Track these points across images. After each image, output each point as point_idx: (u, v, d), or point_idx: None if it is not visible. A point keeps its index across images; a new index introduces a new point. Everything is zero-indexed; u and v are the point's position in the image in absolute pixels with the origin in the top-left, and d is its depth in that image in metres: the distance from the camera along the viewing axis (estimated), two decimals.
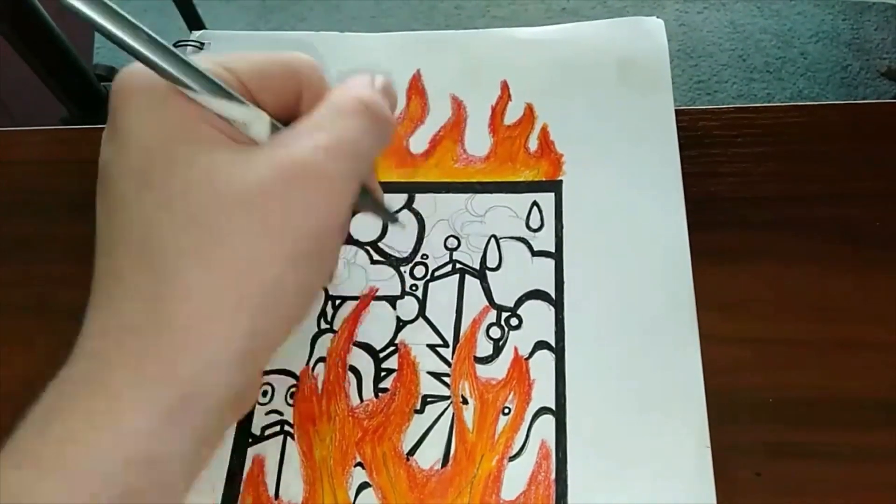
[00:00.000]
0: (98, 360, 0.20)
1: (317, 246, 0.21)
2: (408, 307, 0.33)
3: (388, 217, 0.29)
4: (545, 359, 0.31)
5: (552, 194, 0.35)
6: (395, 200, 0.35)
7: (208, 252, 0.19)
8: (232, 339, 0.20)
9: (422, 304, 0.33)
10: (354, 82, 0.23)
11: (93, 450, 0.19)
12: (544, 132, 0.36)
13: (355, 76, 0.23)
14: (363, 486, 0.29)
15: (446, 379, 0.31)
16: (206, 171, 0.20)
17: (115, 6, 0.19)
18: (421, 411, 0.30)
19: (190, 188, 0.20)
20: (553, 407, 0.30)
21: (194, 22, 1.02)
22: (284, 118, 0.22)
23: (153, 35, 0.20)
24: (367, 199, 0.26)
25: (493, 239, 0.34)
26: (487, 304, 0.32)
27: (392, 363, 0.31)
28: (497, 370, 0.31)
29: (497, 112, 0.37)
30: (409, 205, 0.35)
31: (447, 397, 0.30)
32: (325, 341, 0.32)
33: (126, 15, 0.19)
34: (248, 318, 0.20)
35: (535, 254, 0.33)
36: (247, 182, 0.20)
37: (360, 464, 0.29)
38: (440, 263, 0.33)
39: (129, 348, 0.19)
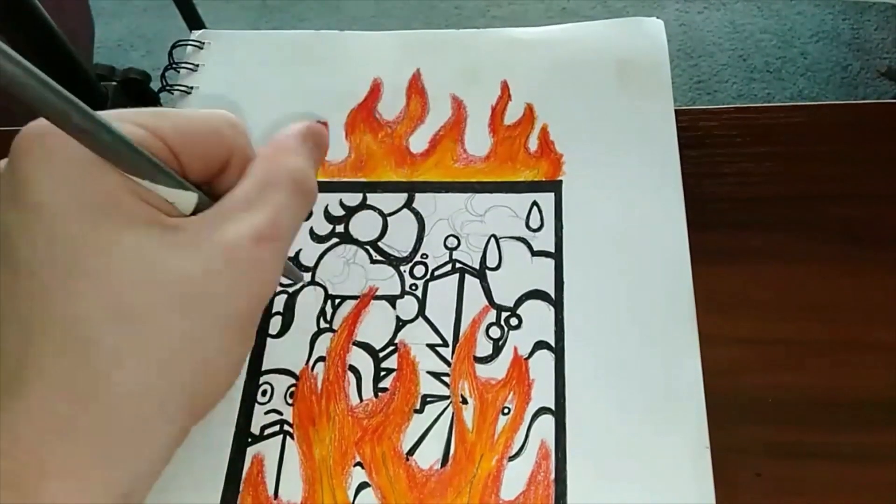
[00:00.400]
0: (24, 467, 0.18)
1: (248, 323, 0.21)
2: (407, 307, 0.33)
3: (295, 275, 0.33)
4: (545, 359, 0.31)
5: (552, 194, 0.35)
6: (395, 200, 0.35)
7: (144, 347, 0.18)
8: (172, 435, 0.20)
9: (421, 303, 0.33)
10: (281, 146, 0.22)
11: None
12: (544, 132, 0.36)
13: (281, 135, 0.23)
14: (362, 486, 0.29)
15: (446, 379, 0.31)
16: (138, 257, 0.18)
17: (32, 67, 0.16)
18: (420, 411, 0.30)
19: (122, 277, 0.18)
20: (553, 407, 0.30)
21: (194, 22, 1.02)
22: (208, 181, 0.22)
23: (71, 97, 0.17)
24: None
25: (492, 239, 0.34)
26: (487, 303, 0.32)
27: (392, 363, 0.31)
28: (497, 370, 0.31)
29: (497, 112, 0.37)
30: (408, 204, 0.35)
31: (447, 397, 0.30)
32: (325, 341, 0.32)
33: (47, 79, 0.16)
34: (185, 408, 0.20)
35: (534, 254, 0.33)
36: (180, 271, 0.19)
37: (359, 463, 0.29)
38: (440, 263, 0.33)
39: (60, 454, 0.18)
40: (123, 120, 0.19)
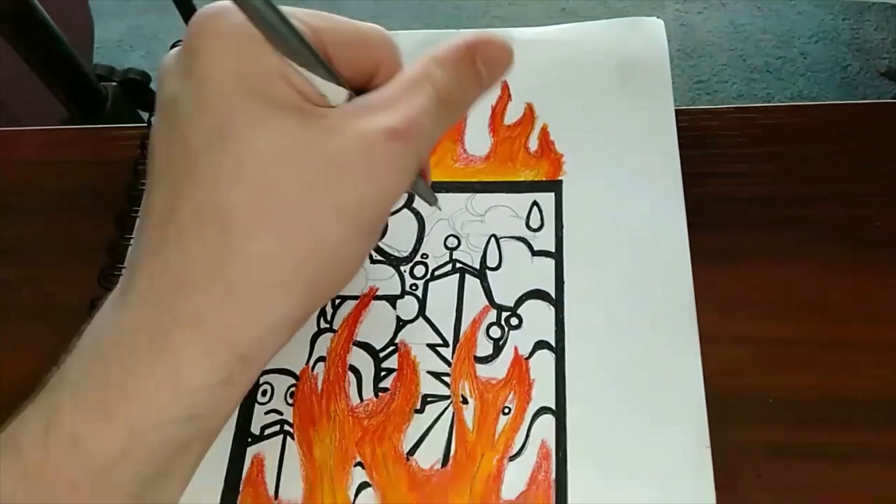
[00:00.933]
0: (159, 312, 0.20)
1: (375, 220, 0.22)
2: (408, 307, 0.33)
3: (430, 198, 0.30)
4: (545, 358, 0.31)
5: (552, 194, 0.35)
6: None
7: (275, 221, 0.19)
8: (291, 307, 0.21)
9: (422, 303, 0.33)
10: (433, 57, 0.23)
11: (155, 405, 0.20)
12: (544, 132, 0.36)
13: (440, 46, 0.23)
14: (363, 486, 0.29)
15: (446, 378, 0.31)
16: (280, 136, 0.19)
17: None
18: (421, 411, 0.30)
19: (263, 153, 0.19)
20: (553, 407, 0.30)
21: None
22: (357, 88, 0.22)
23: None
24: (416, 179, 0.27)
25: (493, 238, 0.34)
26: (487, 303, 0.32)
27: (392, 363, 0.31)
28: (497, 370, 0.31)
29: (497, 112, 0.37)
30: (408, 204, 0.35)
31: (447, 397, 0.30)
32: (325, 341, 0.32)
33: None
34: (307, 286, 0.21)
35: (535, 253, 0.33)
36: (315, 152, 0.20)
37: (359, 463, 0.29)
38: (440, 263, 0.33)
39: (193, 306, 0.19)
40: (291, 16, 0.20)
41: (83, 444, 0.19)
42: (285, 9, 0.20)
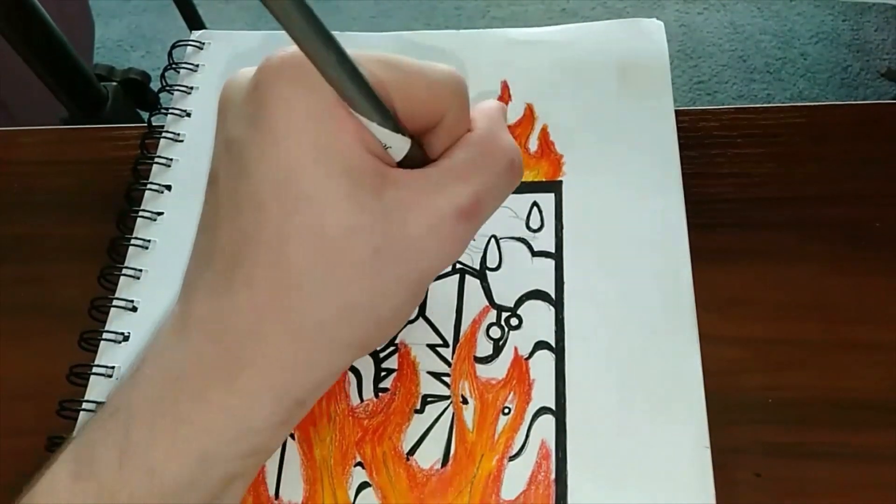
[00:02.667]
0: (228, 356, 0.21)
1: (422, 289, 0.23)
2: None
3: None
4: (545, 359, 0.31)
5: (552, 195, 0.35)
6: None
7: (346, 289, 0.20)
8: (347, 360, 0.23)
9: (422, 303, 0.33)
10: (498, 121, 0.23)
11: (224, 442, 0.21)
12: (544, 133, 0.36)
13: (492, 109, 0.24)
14: (363, 486, 0.29)
15: (446, 379, 0.31)
16: (351, 205, 0.20)
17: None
18: (421, 411, 0.30)
19: (333, 220, 0.20)
20: (553, 407, 0.30)
21: (194, 22, 1.02)
22: (418, 134, 0.22)
23: (335, 41, 0.18)
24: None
25: (493, 239, 0.34)
26: (487, 304, 0.32)
27: (392, 363, 0.31)
28: (497, 370, 0.31)
29: None
30: None
31: (447, 397, 0.30)
32: None
33: (315, 16, 0.17)
34: (364, 345, 0.23)
35: (535, 254, 0.33)
36: (393, 230, 0.20)
37: (360, 463, 0.29)
38: None
39: (261, 355, 0.21)
40: (359, 63, 0.20)
41: (157, 475, 0.20)
42: (354, 55, 0.19)
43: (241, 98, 0.21)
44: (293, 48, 0.19)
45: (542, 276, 0.33)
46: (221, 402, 0.21)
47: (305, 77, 0.19)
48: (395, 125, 0.21)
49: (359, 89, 0.19)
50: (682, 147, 0.35)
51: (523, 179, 0.35)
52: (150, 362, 0.22)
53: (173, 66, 0.40)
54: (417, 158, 0.22)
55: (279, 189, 0.20)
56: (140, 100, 0.79)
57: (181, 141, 0.38)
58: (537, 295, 0.32)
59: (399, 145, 0.21)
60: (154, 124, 0.38)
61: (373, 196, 0.20)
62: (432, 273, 0.23)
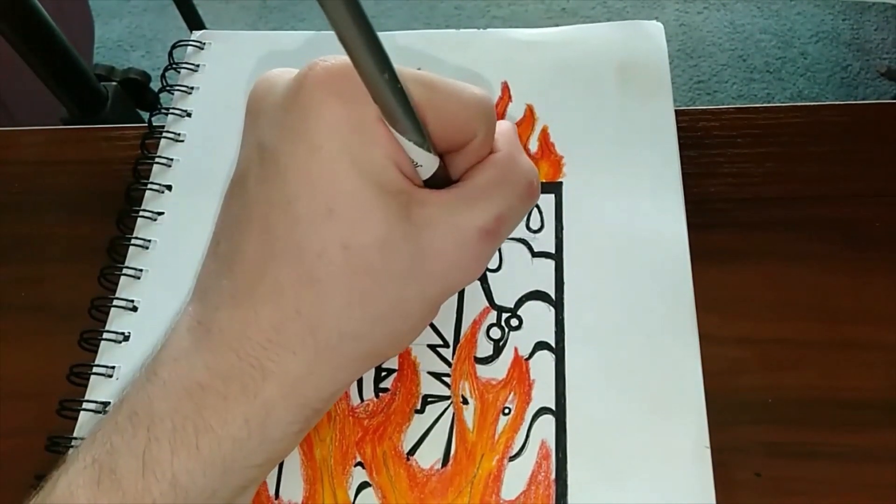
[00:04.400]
0: (250, 366, 0.21)
1: (439, 305, 0.23)
2: None
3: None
4: (545, 359, 0.31)
5: (552, 196, 0.35)
6: None
7: (371, 303, 0.21)
8: (364, 370, 0.24)
9: None
10: (517, 145, 0.24)
11: (245, 451, 0.21)
12: (544, 133, 0.36)
13: (511, 132, 0.24)
14: (363, 486, 0.29)
15: (447, 379, 0.31)
16: (384, 223, 0.20)
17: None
18: (421, 411, 0.30)
19: (371, 239, 0.20)
20: (553, 407, 0.30)
21: (194, 22, 1.02)
22: (445, 152, 0.23)
23: (386, 55, 0.18)
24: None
25: None
26: (488, 304, 0.32)
27: (392, 363, 0.31)
28: (497, 370, 0.31)
29: (497, 113, 0.37)
30: None
31: (447, 397, 0.30)
32: None
33: (371, 27, 0.17)
34: (382, 356, 0.24)
35: (535, 255, 0.33)
36: (420, 247, 0.21)
37: (360, 463, 0.29)
38: None
39: (282, 367, 0.21)
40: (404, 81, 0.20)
41: (180, 484, 0.21)
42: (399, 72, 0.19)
43: (278, 102, 0.21)
44: (337, 58, 0.19)
45: (542, 276, 0.33)
46: (243, 413, 0.21)
47: (350, 90, 0.19)
48: (429, 145, 0.21)
49: (403, 108, 0.19)
50: (682, 147, 0.35)
51: None
52: (167, 367, 0.22)
53: (173, 66, 0.40)
54: (441, 178, 0.22)
55: (313, 199, 0.20)
56: (140, 100, 0.79)
57: (182, 141, 0.38)
58: (537, 296, 0.32)
59: (429, 164, 0.22)
60: (154, 124, 0.38)
61: (402, 212, 0.20)
62: (453, 290, 0.23)
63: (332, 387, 0.22)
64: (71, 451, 0.25)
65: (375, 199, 0.20)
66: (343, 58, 0.19)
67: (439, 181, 0.22)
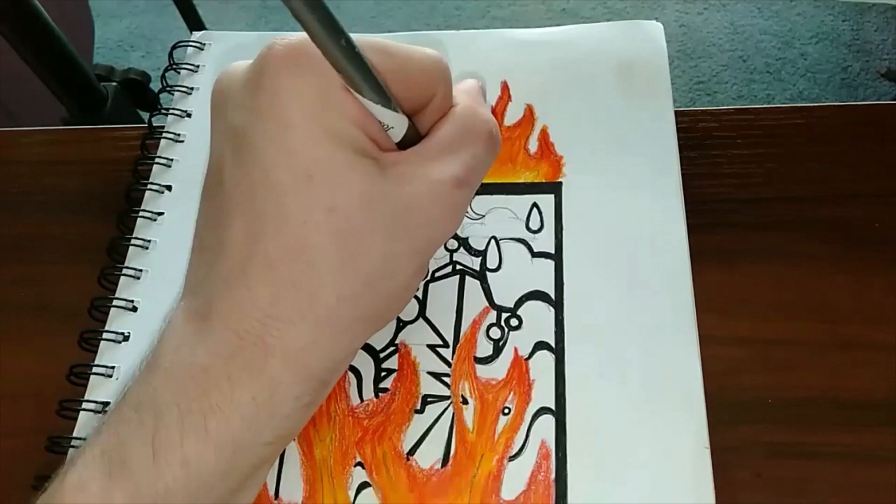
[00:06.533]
0: (251, 343, 0.21)
1: (427, 258, 0.24)
2: (408, 308, 0.32)
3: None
4: (545, 359, 0.31)
5: (552, 196, 0.35)
6: None
7: (363, 263, 0.21)
8: (366, 336, 0.24)
9: (422, 304, 0.33)
10: (477, 98, 0.25)
11: (254, 430, 0.21)
12: (544, 134, 0.36)
13: (471, 87, 0.25)
14: (363, 486, 0.29)
15: (446, 379, 0.31)
16: (360, 183, 0.21)
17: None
18: (421, 411, 0.30)
19: (353, 198, 0.21)
20: (553, 407, 0.30)
21: (194, 22, 1.02)
22: (408, 111, 0.23)
23: (342, 27, 0.19)
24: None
25: (493, 240, 0.34)
26: (487, 304, 0.32)
27: (392, 363, 0.31)
28: (497, 370, 0.31)
29: (497, 113, 0.37)
30: None
31: (447, 397, 0.30)
32: None
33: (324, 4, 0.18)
34: (381, 319, 0.24)
35: (534, 255, 0.33)
36: (392, 199, 0.21)
37: (360, 463, 0.29)
38: (440, 264, 0.33)
39: (283, 340, 0.21)
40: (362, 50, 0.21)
41: (193, 467, 0.21)
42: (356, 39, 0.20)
43: (242, 88, 0.21)
44: (294, 36, 0.20)
45: (541, 276, 0.33)
46: (249, 391, 0.21)
47: (311, 64, 0.20)
48: (395, 105, 0.22)
49: (363, 73, 0.20)
50: (682, 147, 0.35)
51: (523, 180, 0.35)
52: (167, 357, 0.22)
53: (174, 66, 0.40)
54: (412, 138, 0.23)
55: (291, 169, 0.20)
56: (140, 100, 0.79)
57: (182, 141, 0.38)
58: (537, 296, 0.32)
59: (399, 126, 0.22)
60: (154, 125, 0.38)
61: (377, 172, 0.21)
62: (437, 242, 0.24)
63: (335, 355, 0.22)
64: (74, 449, 0.25)
65: (352, 161, 0.21)
66: (300, 34, 0.20)
67: (411, 141, 0.23)
